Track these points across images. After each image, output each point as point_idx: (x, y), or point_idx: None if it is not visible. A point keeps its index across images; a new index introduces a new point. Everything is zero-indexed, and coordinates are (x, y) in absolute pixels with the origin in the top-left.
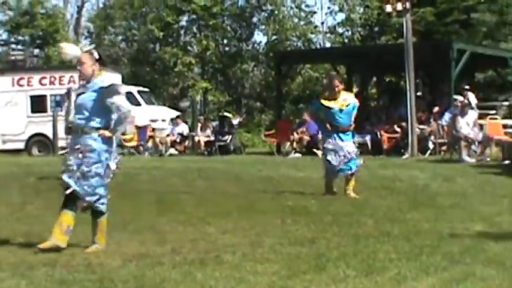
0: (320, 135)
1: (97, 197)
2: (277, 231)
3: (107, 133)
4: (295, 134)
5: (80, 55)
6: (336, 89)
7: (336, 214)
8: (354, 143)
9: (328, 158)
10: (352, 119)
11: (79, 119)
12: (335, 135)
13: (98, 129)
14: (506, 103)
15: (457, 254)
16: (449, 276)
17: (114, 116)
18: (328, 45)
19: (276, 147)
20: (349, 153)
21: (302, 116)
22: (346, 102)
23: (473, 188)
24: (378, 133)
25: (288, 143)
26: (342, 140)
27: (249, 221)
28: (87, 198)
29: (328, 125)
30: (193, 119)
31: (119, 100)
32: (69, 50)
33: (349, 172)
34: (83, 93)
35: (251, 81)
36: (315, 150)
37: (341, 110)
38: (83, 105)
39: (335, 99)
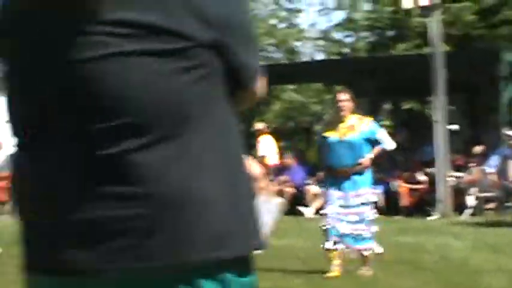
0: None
1: None
2: None
3: None
4: None
5: None
6: (340, 105)
7: None
8: (369, 196)
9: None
10: (365, 156)
11: None
12: (331, 181)
13: None
14: None
15: None
16: None
17: None
18: (320, 57)
19: None
20: (356, 212)
21: None
22: (351, 129)
23: None
24: (394, 184)
25: None
26: (342, 190)
27: None
28: None
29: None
30: None
31: None
32: None
33: (358, 247)
34: None
35: None
36: None
37: (340, 142)
38: None
39: (338, 125)
